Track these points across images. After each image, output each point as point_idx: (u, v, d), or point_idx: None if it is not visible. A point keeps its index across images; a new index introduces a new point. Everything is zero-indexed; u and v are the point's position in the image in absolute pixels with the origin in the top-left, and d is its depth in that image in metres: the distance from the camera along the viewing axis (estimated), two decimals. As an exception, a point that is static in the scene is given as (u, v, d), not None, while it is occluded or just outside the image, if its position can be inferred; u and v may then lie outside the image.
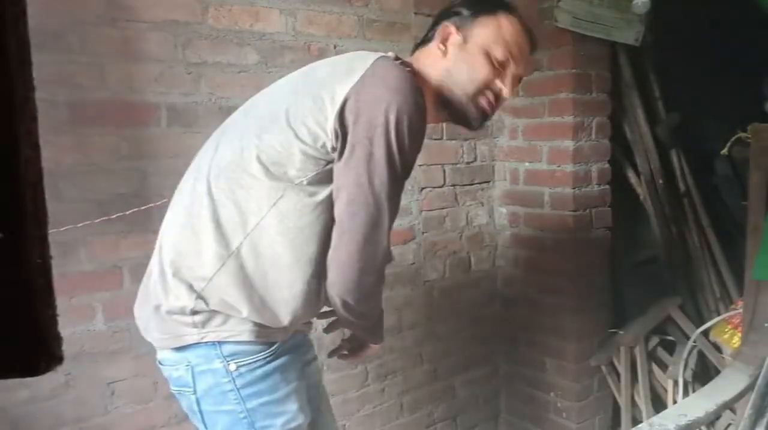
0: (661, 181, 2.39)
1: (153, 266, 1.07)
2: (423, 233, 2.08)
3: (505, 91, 1.11)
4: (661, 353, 2.30)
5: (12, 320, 0.34)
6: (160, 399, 1.56)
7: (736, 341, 2.01)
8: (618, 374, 2.24)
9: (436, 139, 2.07)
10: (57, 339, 0.36)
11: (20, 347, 0.34)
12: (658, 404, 2.20)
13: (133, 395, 1.52)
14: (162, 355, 1.07)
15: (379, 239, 0.98)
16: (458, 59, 1.11)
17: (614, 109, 2.24)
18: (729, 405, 1.71)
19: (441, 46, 1.12)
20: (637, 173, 2.39)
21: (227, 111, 1.61)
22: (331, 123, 0.95)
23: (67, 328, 1.40)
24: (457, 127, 1.33)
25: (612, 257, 2.29)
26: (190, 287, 0.98)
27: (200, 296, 0.98)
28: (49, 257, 0.35)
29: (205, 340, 0.99)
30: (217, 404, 1.03)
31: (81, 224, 1.38)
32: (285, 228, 0.98)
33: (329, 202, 0.99)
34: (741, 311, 2.01)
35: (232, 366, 1.00)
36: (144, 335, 1.09)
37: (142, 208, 1.46)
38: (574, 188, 2.10)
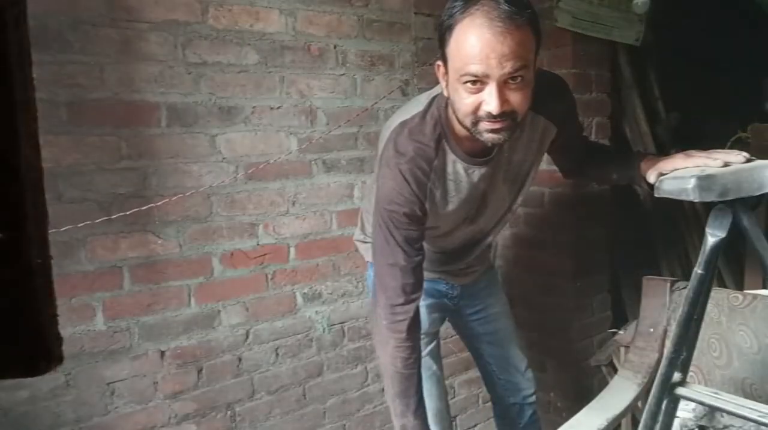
0: (661, 181, 2.38)
1: None
2: (423, 232, 2.07)
3: (492, 106, 1.02)
4: (661, 353, 2.30)
5: (12, 320, 0.34)
6: (160, 399, 1.56)
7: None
8: (618, 374, 2.23)
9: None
10: (57, 339, 0.36)
11: (20, 347, 0.34)
12: (658, 404, 2.20)
13: (133, 395, 1.52)
14: None
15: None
16: (450, 94, 1.11)
17: (614, 109, 2.24)
18: (620, 418, 1.60)
19: (442, 83, 1.13)
20: (637, 173, 2.39)
21: (227, 111, 1.62)
22: None
23: (67, 328, 1.40)
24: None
25: (612, 257, 2.29)
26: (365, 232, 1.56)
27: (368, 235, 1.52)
28: (49, 257, 0.35)
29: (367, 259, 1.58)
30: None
31: (81, 224, 1.37)
32: None
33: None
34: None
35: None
36: None
37: (143, 208, 1.46)
38: (574, 188, 2.10)
